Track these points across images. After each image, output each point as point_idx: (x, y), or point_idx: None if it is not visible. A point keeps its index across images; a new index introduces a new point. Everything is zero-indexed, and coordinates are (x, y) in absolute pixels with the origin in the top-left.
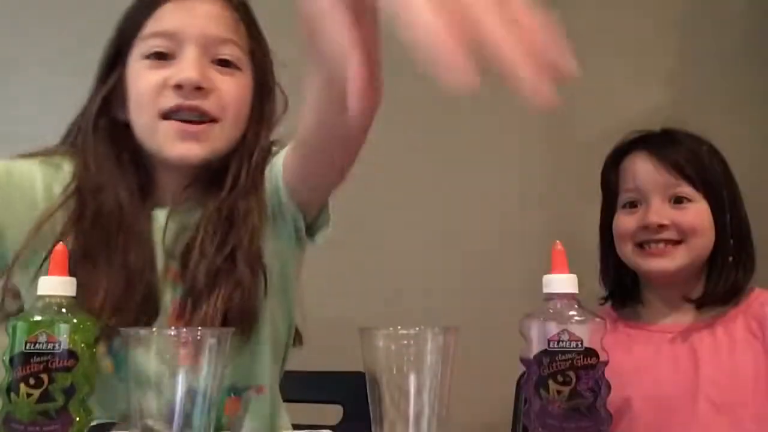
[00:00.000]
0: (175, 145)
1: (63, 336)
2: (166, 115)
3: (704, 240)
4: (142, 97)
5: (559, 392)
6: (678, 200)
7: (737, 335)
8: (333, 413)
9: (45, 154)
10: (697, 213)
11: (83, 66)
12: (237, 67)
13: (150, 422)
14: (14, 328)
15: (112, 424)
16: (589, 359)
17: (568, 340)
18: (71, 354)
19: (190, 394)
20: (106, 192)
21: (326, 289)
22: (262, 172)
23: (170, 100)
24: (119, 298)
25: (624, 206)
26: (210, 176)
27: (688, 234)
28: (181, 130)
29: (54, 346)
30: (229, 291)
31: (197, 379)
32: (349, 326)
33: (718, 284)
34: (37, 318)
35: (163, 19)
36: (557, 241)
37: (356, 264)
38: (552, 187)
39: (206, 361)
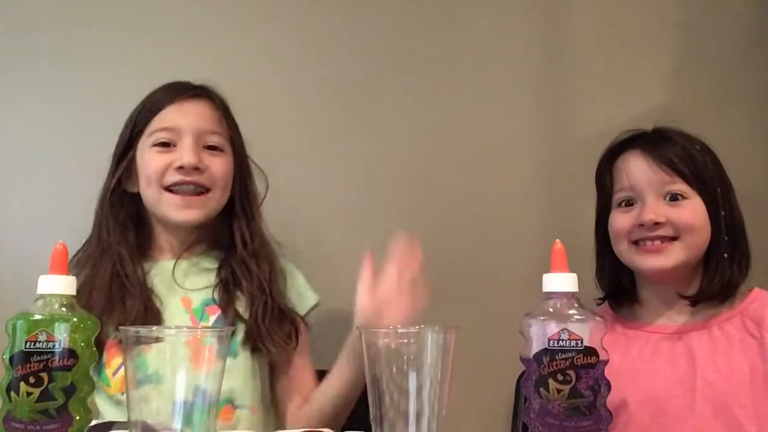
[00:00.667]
0: (178, 212)
1: (63, 335)
2: (170, 188)
3: (700, 237)
4: (151, 175)
5: (559, 391)
6: (673, 197)
7: (734, 335)
8: None
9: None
10: (693, 210)
11: None
12: (221, 150)
13: (150, 421)
14: (14, 327)
15: (111, 424)
16: (589, 358)
17: (568, 338)
18: (71, 353)
19: (191, 393)
20: (111, 250)
21: (326, 288)
22: (267, 244)
23: (174, 177)
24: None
25: (619, 205)
26: (211, 236)
27: (684, 231)
28: (182, 200)
29: (54, 345)
30: (282, 325)
31: (198, 379)
32: (349, 326)
33: (713, 281)
34: (37, 317)
35: (166, 118)
36: (557, 240)
37: (356, 263)
38: (552, 186)
39: (206, 360)
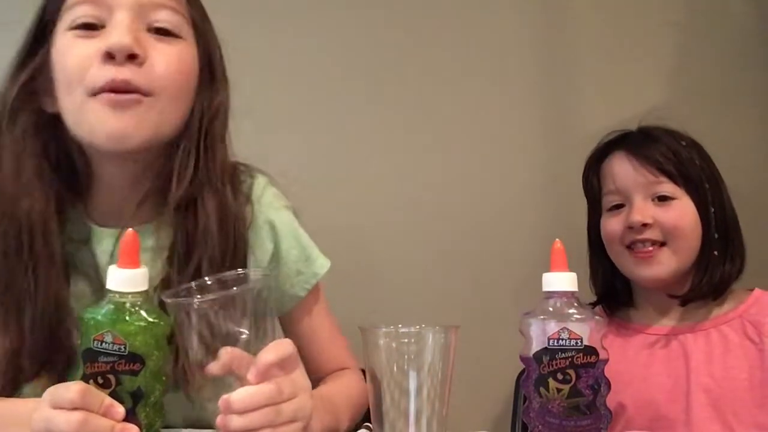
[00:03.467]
0: (107, 122)
1: (128, 338)
2: (96, 93)
3: (689, 240)
4: (69, 73)
5: (558, 390)
6: (661, 198)
7: (733, 339)
8: None
9: None
10: (681, 210)
11: None
12: (176, 36)
13: None
14: (83, 322)
15: None
16: (588, 357)
17: (568, 338)
18: (137, 357)
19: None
20: (20, 206)
21: (326, 288)
22: (231, 185)
23: (100, 75)
24: (29, 348)
25: (609, 209)
26: (163, 185)
27: (671, 234)
28: (112, 100)
29: (120, 348)
30: None
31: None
32: (350, 325)
33: (703, 280)
34: (103, 316)
35: None
36: (557, 240)
37: (356, 263)
38: (552, 186)
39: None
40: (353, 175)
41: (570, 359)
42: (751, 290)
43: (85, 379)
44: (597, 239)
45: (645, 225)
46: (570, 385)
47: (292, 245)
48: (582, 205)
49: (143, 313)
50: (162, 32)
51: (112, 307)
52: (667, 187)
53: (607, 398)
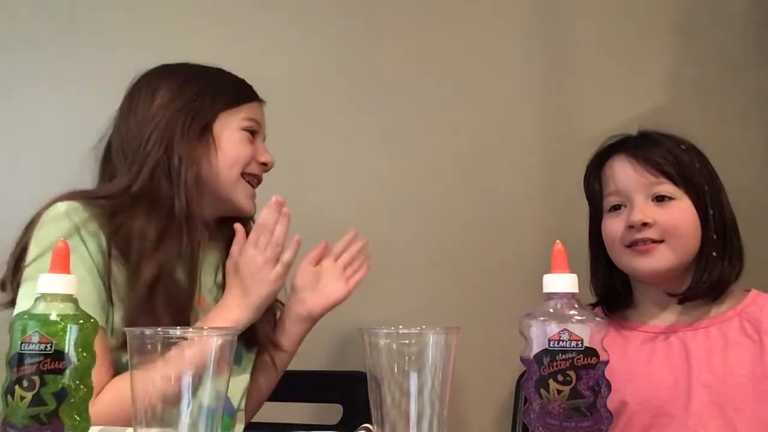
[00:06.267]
0: (248, 202)
1: (55, 337)
2: (245, 175)
3: (687, 239)
4: (240, 158)
5: (559, 392)
6: (660, 198)
7: (732, 337)
8: (333, 413)
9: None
10: (681, 211)
11: None
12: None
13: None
14: (12, 328)
15: None
16: (589, 359)
17: (569, 339)
18: (63, 355)
19: (198, 398)
20: (194, 219)
21: None
22: None
23: (255, 169)
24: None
25: (610, 210)
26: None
27: (669, 233)
28: (253, 193)
29: (46, 347)
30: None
31: (204, 382)
32: (349, 326)
33: (702, 279)
34: (32, 317)
35: (254, 111)
36: (557, 241)
37: None
38: (552, 186)
39: (213, 362)
40: (354, 177)
41: (570, 360)
42: (748, 290)
43: (11, 385)
44: (598, 242)
45: (645, 224)
46: (570, 386)
47: None
48: (582, 206)
49: (70, 314)
50: None
51: (42, 308)
52: (667, 188)
53: (608, 398)
